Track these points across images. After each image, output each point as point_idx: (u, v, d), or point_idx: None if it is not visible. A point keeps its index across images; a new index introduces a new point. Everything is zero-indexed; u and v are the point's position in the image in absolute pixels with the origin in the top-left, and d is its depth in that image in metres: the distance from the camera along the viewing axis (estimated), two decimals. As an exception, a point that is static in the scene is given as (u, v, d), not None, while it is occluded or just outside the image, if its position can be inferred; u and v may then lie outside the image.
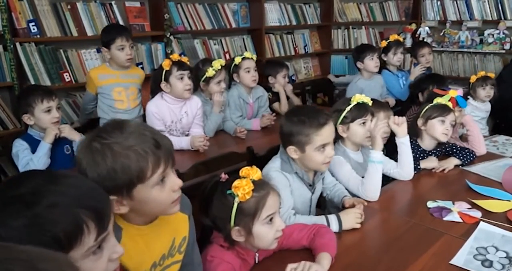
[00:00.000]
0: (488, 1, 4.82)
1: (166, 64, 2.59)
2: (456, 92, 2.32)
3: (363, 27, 5.27)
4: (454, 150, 2.30)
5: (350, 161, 1.98)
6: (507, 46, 4.66)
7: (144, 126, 1.07)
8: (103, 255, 0.79)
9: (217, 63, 2.78)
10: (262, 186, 1.29)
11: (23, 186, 0.75)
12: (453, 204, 1.79)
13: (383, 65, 3.81)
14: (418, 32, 5.04)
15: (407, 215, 1.77)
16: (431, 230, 1.59)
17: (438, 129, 2.19)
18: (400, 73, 3.86)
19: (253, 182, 1.27)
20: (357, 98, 1.99)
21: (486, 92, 3.17)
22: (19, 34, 2.88)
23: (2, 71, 2.87)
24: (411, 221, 1.68)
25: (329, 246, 1.37)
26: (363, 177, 1.89)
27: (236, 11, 4.26)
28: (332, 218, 1.60)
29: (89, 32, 3.19)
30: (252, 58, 3.06)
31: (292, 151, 1.66)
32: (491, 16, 4.83)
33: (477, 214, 1.70)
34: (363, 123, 1.97)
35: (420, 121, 2.25)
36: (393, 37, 3.83)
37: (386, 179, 2.10)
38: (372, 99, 2.06)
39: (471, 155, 2.26)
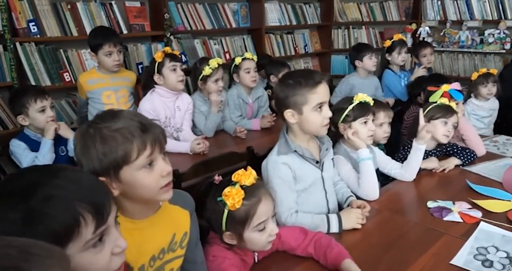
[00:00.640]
0: (488, 1, 4.82)
1: (158, 56, 2.61)
2: (448, 86, 2.29)
3: (363, 27, 5.28)
4: (455, 150, 2.29)
5: (350, 160, 1.98)
6: (507, 46, 4.66)
7: (136, 114, 1.12)
8: (104, 248, 0.79)
9: (214, 62, 2.78)
10: (253, 193, 1.26)
11: (22, 180, 0.77)
12: (454, 204, 1.78)
13: (386, 65, 3.79)
14: (418, 32, 5.03)
15: (407, 215, 1.77)
16: (431, 230, 1.59)
17: (440, 131, 2.19)
18: (402, 74, 3.84)
19: (245, 188, 1.25)
20: (359, 97, 1.98)
21: (488, 89, 3.08)
22: (19, 34, 2.89)
23: (2, 71, 2.87)
24: (412, 221, 1.68)
25: (344, 252, 1.37)
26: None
27: (236, 11, 4.27)
28: (333, 217, 1.60)
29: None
30: (252, 59, 3.05)
31: (289, 115, 1.63)
32: (492, 16, 4.83)
33: (478, 214, 1.70)
34: (365, 122, 1.97)
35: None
36: (397, 36, 3.77)
37: (386, 179, 2.10)
38: (372, 99, 2.05)
39: (472, 155, 2.26)
